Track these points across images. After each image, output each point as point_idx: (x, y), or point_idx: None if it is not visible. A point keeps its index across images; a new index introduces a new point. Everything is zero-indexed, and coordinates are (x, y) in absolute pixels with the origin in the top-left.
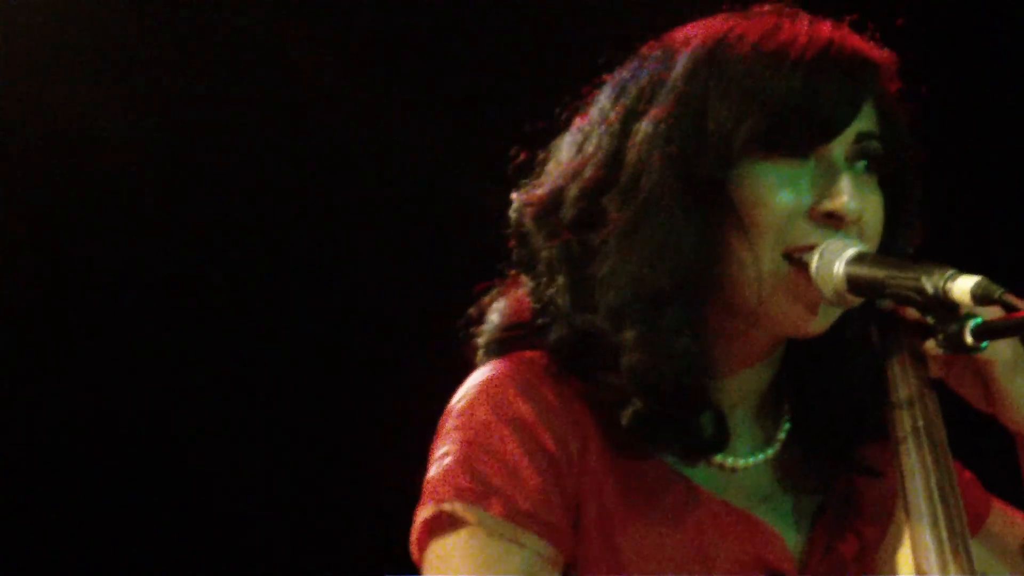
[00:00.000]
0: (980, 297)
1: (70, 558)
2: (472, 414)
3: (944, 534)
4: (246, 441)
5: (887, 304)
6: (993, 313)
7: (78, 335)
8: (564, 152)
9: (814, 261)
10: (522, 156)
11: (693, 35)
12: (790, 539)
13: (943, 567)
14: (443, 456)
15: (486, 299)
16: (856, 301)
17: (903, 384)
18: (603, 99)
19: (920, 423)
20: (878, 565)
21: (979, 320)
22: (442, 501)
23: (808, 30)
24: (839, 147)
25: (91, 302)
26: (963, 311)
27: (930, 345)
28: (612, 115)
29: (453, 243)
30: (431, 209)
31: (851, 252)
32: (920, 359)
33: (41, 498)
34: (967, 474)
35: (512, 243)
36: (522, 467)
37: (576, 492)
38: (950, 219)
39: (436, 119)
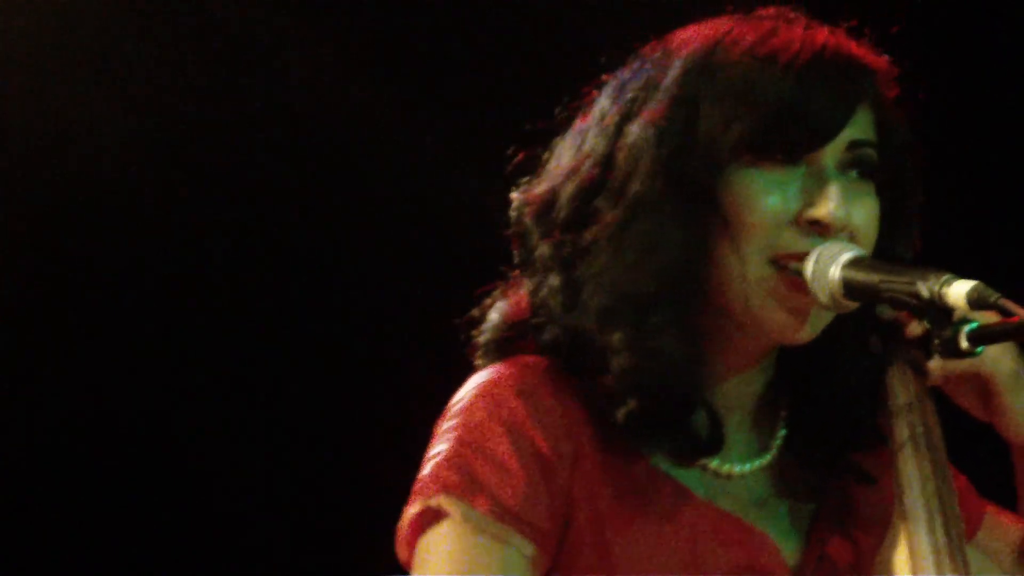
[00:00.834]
0: (976, 302)
1: (70, 558)
2: (468, 415)
3: (941, 541)
4: (246, 441)
5: (888, 312)
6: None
7: (78, 335)
8: (564, 152)
9: (810, 265)
10: (520, 156)
11: (692, 38)
12: (785, 546)
13: (940, 574)
14: (435, 455)
15: (488, 300)
16: (852, 306)
17: (902, 391)
18: (603, 100)
19: (919, 430)
20: (874, 572)
21: (975, 325)
22: (430, 496)
23: (802, 35)
24: (831, 154)
25: (91, 302)
26: (959, 316)
27: (935, 365)
28: (608, 117)
29: (455, 243)
30: (433, 210)
31: (847, 256)
32: (919, 367)
33: (41, 498)
34: (961, 479)
35: (513, 243)
36: (512, 467)
37: (568, 497)
38: (950, 223)
39: (437, 119)
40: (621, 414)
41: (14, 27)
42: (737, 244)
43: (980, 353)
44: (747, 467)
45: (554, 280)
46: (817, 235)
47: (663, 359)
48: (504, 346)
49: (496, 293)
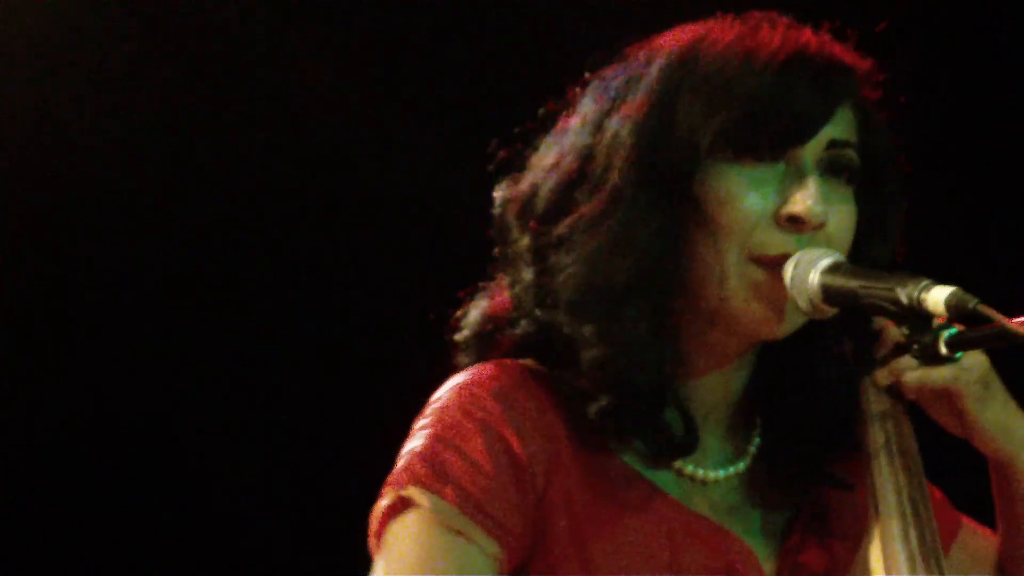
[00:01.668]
0: (954, 307)
1: (70, 558)
2: (443, 413)
3: (916, 549)
4: (246, 441)
5: (880, 323)
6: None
7: (78, 335)
8: (547, 149)
9: (789, 270)
10: (502, 154)
11: (675, 37)
12: (760, 552)
13: None
14: (409, 451)
15: (471, 303)
16: (830, 311)
17: (876, 399)
18: (586, 99)
19: (893, 437)
20: None
21: (953, 331)
22: (400, 488)
23: (784, 34)
24: (810, 153)
25: (90, 302)
26: (937, 322)
27: (905, 364)
28: (591, 113)
29: (450, 243)
30: (424, 210)
31: (826, 262)
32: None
33: (41, 498)
34: (937, 493)
35: (495, 241)
36: (483, 464)
37: (542, 500)
38: (936, 226)
39: (427, 119)
40: (593, 410)
41: (14, 27)
42: (714, 238)
43: (959, 359)
44: (721, 473)
45: (527, 273)
46: (794, 232)
47: (635, 352)
48: (482, 343)
49: (479, 294)
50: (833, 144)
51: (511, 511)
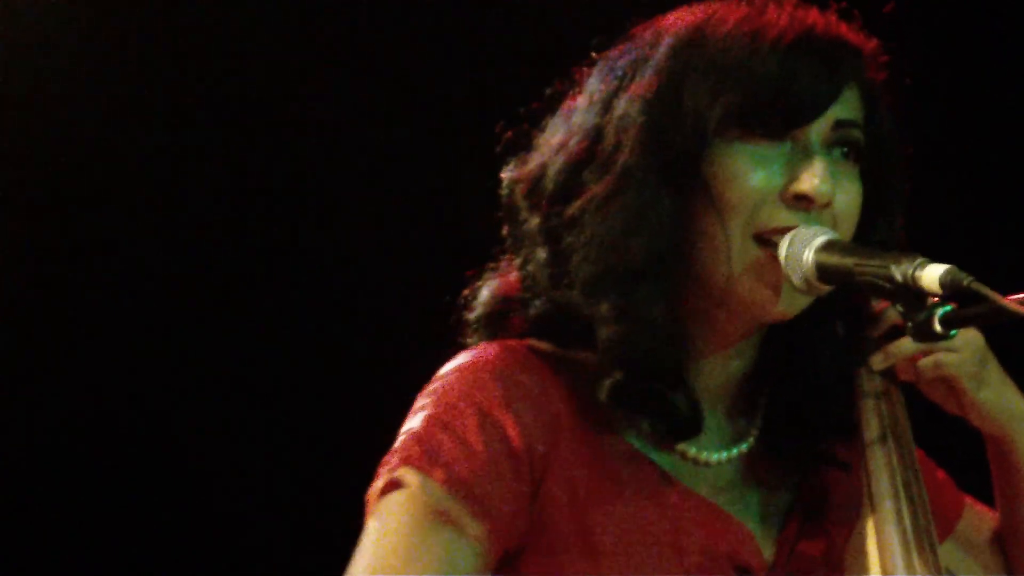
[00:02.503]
0: (949, 285)
1: (70, 558)
2: (442, 393)
3: (909, 531)
4: (245, 441)
5: (879, 305)
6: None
7: (77, 335)
8: (554, 130)
9: (784, 247)
10: (509, 135)
11: (681, 17)
12: (759, 535)
13: (908, 564)
14: (406, 431)
15: (479, 282)
16: (825, 289)
17: (870, 381)
18: (593, 79)
19: (886, 421)
20: (846, 563)
21: (948, 308)
22: (393, 469)
23: (791, 14)
24: (816, 132)
25: (90, 302)
26: (932, 300)
27: (900, 348)
28: (598, 93)
29: (454, 232)
30: (426, 198)
31: (821, 239)
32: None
33: (41, 498)
34: (940, 474)
35: (503, 222)
36: (476, 448)
37: (542, 482)
38: (942, 213)
39: (431, 102)
40: (605, 387)
41: (13, 27)
42: (721, 217)
43: (954, 336)
44: (723, 455)
45: (541, 253)
46: (801, 210)
47: (651, 330)
48: (493, 322)
49: (487, 274)
50: (839, 124)
51: (502, 494)
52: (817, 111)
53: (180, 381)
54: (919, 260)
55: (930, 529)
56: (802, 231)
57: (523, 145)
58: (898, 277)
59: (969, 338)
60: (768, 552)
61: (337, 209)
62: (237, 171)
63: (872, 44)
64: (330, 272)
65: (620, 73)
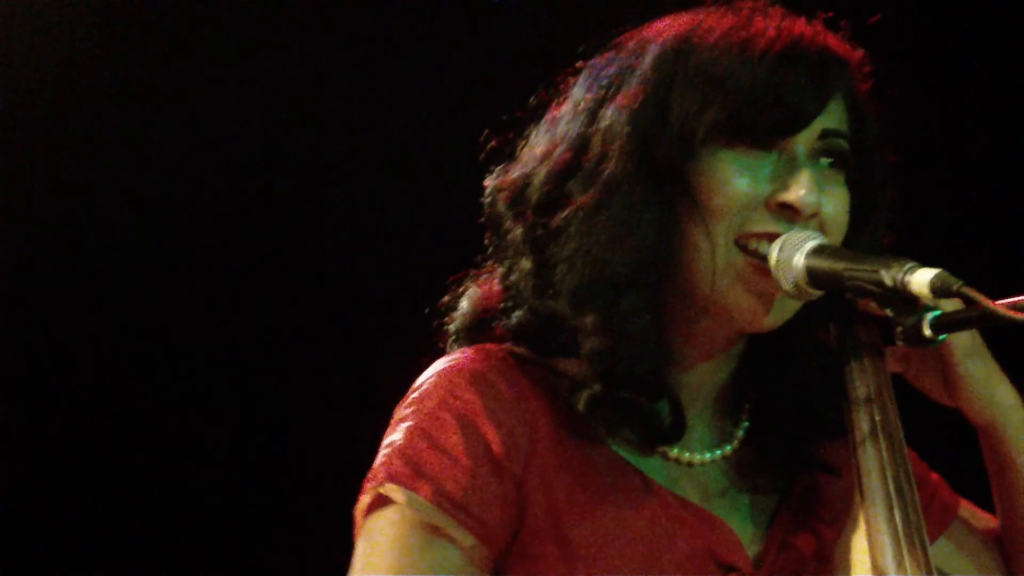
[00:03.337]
0: (938, 289)
1: (70, 558)
2: (422, 403)
3: (900, 531)
4: (244, 438)
5: (872, 307)
6: (953, 306)
7: (77, 335)
8: (537, 139)
9: (775, 252)
10: (494, 143)
11: (667, 27)
12: (745, 535)
13: (899, 563)
14: (389, 444)
15: (460, 288)
16: (815, 294)
17: (861, 381)
18: (577, 87)
19: (878, 420)
20: (836, 562)
21: (937, 312)
22: (378, 485)
23: (779, 25)
24: (803, 142)
25: (90, 302)
26: (922, 304)
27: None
28: (583, 103)
29: (439, 234)
30: (411, 203)
31: (811, 244)
32: (879, 356)
33: (41, 498)
34: (934, 475)
35: (486, 230)
36: (459, 458)
37: (520, 490)
38: (932, 218)
39: (416, 109)
40: (584, 398)
41: (13, 27)
42: (707, 226)
43: (943, 340)
44: (707, 456)
45: (525, 263)
46: (786, 220)
47: (635, 342)
48: (474, 332)
49: (467, 282)
50: (826, 134)
51: (489, 503)
52: (805, 122)
53: (178, 379)
54: (909, 265)
55: (921, 527)
56: (792, 235)
57: (506, 154)
58: (888, 282)
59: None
60: (755, 551)
61: (324, 214)
62: (230, 179)
63: (858, 54)
64: (320, 277)
65: (606, 82)
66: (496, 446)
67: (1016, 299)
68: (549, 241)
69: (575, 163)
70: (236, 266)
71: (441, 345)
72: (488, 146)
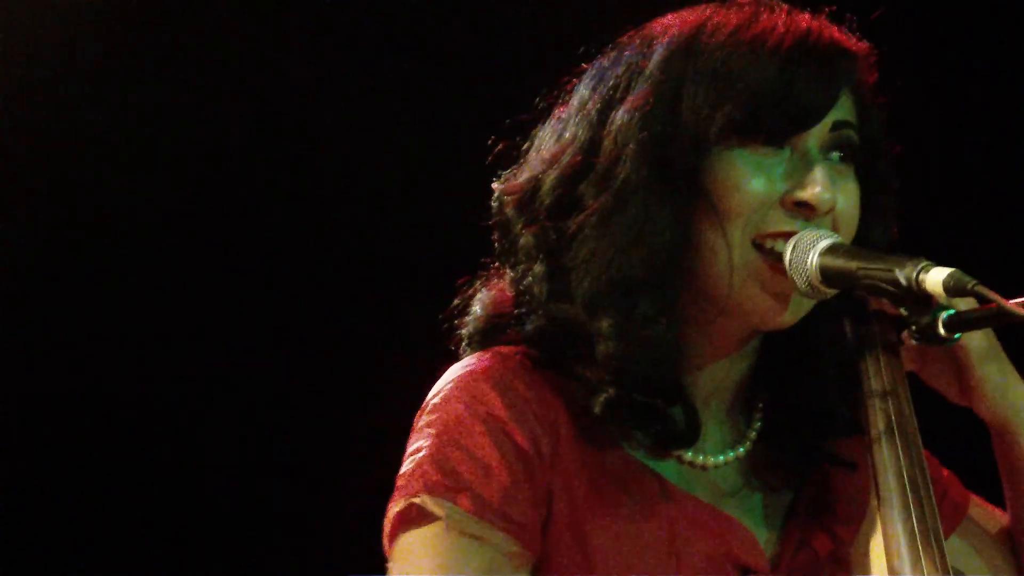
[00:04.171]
0: (953, 288)
1: (70, 558)
2: (445, 410)
3: (916, 529)
4: (243, 441)
5: (878, 303)
6: (967, 305)
7: (78, 334)
8: (544, 141)
9: (788, 251)
10: (501, 146)
11: (671, 24)
12: (761, 536)
13: (915, 562)
14: (416, 451)
15: (469, 291)
16: (829, 292)
17: (876, 379)
18: (582, 88)
19: (893, 418)
20: (852, 561)
21: (952, 311)
22: (413, 495)
23: (786, 20)
24: (815, 137)
25: (90, 301)
26: (936, 302)
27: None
28: (590, 104)
29: (445, 237)
30: (415, 205)
31: (825, 243)
32: (894, 353)
33: (41, 498)
34: (945, 472)
35: (494, 234)
36: (492, 463)
37: (547, 489)
38: (935, 210)
39: (418, 112)
40: (599, 403)
41: (13, 27)
42: (723, 227)
43: (957, 339)
44: (721, 458)
45: (539, 268)
46: (802, 217)
47: (651, 347)
48: (487, 337)
49: (477, 284)
50: (836, 126)
51: (525, 506)
52: (817, 117)
53: (179, 379)
54: (923, 264)
55: (937, 528)
56: (806, 234)
57: (512, 156)
58: (902, 281)
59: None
60: (771, 551)
61: (324, 216)
62: (226, 159)
63: (863, 46)
64: (321, 277)
65: (612, 83)
66: (525, 449)
67: None
68: (563, 246)
69: (586, 166)
70: (236, 267)
71: (452, 347)
72: (495, 150)
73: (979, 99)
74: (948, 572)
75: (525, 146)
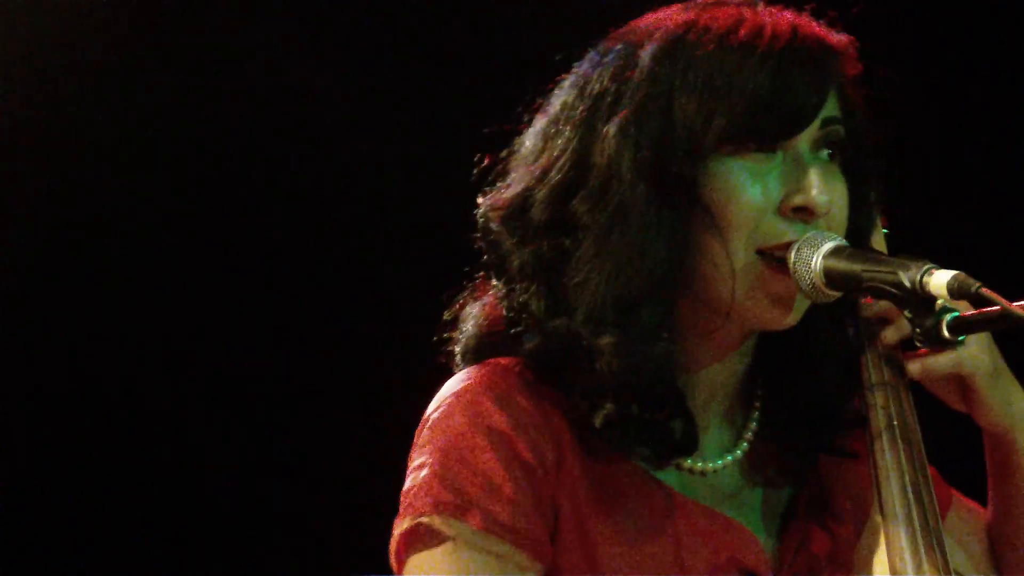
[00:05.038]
0: (957, 291)
1: (70, 558)
2: (447, 424)
3: (918, 532)
4: (242, 442)
5: (878, 307)
6: (970, 307)
7: (77, 335)
8: (528, 151)
9: (792, 255)
10: (487, 160)
11: (654, 28)
12: (762, 538)
13: (917, 565)
14: (419, 467)
15: (458, 304)
16: (833, 295)
17: (877, 380)
18: (565, 95)
19: (894, 420)
20: (853, 564)
21: (956, 314)
22: (420, 514)
23: (771, 21)
24: (806, 137)
25: (90, 301)
26: (940, 305)
27: (914, 368)
28: (577, 114)
29: (431, 247)
30: (415, 205)
31: (828, 246)
32: (894, 351)
33: (40, 498)
34: (930, 468)
35: (482, 247)
36: (499, 478)
37: (553, 500)
38: (947, 218)
39: (405, 122)
40: (599, 416)
41: (13, 27)
42: (723, 236)
43: (962, 342)
44: (720, 463)
45: (535, 286)
46: (800, 222)
47: (651, 363)
48: (481, 355)
49: (465, 296)
50: (825, 123)
51: (534, 518)
52: (809, 119)
53: (178, 379)
54: (927, 266)
55: (939, 530)
56: (809, 237)
57: (494, 167)
58: (906, 283)
59: (981, 336)
60: (772, 552)
61: (321, 219)
62: (227, 167)
63: (845, 40)
64: (319, 279)
65: (598, 92)
66: (529, 461)
67: None
68: (559, 263)
69: (578, 182)
70: (237, 268)
71: (443, 359)
72: (479, 164)
73: (979, 99)
74: (950, 574)
75: (504, 153)
